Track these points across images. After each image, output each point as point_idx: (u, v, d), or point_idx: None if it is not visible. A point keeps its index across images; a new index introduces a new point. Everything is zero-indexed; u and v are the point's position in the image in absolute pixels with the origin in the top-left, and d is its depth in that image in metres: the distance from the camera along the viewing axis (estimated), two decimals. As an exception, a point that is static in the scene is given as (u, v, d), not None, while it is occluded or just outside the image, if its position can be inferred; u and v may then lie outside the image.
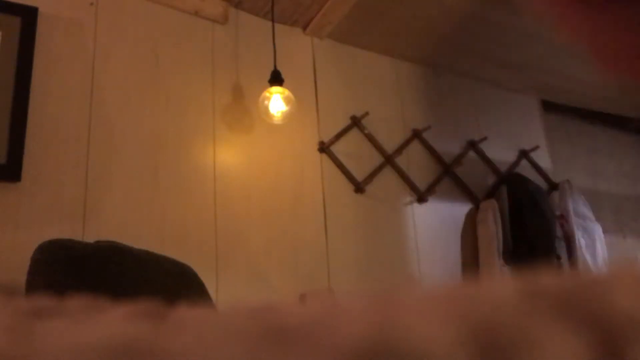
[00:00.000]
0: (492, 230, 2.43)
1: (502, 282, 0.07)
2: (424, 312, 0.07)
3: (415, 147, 2.51)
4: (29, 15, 1.75)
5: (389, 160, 2.38)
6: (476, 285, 0.08)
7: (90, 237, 1.60)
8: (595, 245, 2.72)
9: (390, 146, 2.42)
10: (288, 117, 2.01)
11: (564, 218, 2.67)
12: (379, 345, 0.07)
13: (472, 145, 2.68)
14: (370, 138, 2.37)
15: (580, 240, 2.66)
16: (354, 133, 2.35)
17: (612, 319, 0.07)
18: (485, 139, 2.71)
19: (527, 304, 0.07)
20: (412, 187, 2.42)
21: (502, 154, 2.79)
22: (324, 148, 2.24)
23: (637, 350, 0.06)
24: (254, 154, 2.08)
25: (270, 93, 1.98)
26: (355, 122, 2.35)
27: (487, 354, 0.06)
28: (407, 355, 0.06)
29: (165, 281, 1.32)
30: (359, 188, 2.27)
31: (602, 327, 0.06)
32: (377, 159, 2.37)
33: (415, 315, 0.07)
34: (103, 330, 0.08)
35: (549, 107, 3.14)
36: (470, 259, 2.46)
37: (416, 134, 2.51)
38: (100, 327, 0.09)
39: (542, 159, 2.94)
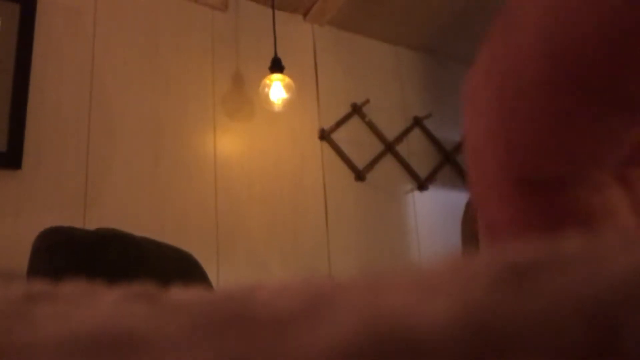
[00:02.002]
0: (492, 218, 2.42)
1: (492, 259, 0.07)
2: (418, 297, 0.07)
3: (416, 134, 2.51)
4: (28, 2, 1.74)
5: (389, 148, 2.38)
6: (469, 263, 0.08)
7: (91, 225, 1.60)
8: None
9: (391, 134, 2.41)
10: (288, 104, 2.00)
11: (564, 206, 2.67)
12: (371, 337, 0.06)
13: (473, 132, 2.68)
14: (371, 126, 2.37)
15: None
16: (355, 121, 2.35)
17: (606, 290, 0.06)
18: (486, 126, 2.70)
19: (522, 282, 0.07)
20: (413, 175, 2.42)
21: (503, 141, 2.78)
22: (324, 136, 2.24)
23: (632, 322, 0.06)
24: (254, 142, 2.08)
25: (271, 80, 1.97)
26: (356, 110, 2.35)
27: (487, 341, 0.06)
28: (404, 349, 0.06)
29: (167, 268, 1.33)
30: (359, 176, 2.27)
31: (597, 300, 0.06)
32: (378, 147, 2.37)
33: (409, 303, 0.07)
34: (97, 316, 0.08)
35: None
36: (471, 246, 2.46)
37: (417, 122, 2.51)
38: (95, 312, 0.09)
39: (543, 146, 2.94)
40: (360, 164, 2.28)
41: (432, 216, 2.42)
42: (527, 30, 0.12)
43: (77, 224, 1.61)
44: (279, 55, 2.00)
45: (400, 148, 2.42)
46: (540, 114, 0.12)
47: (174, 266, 1.36)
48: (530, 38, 0.12)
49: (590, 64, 0.11)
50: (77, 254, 1.18)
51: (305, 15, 2.34)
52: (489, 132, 0.14)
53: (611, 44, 0.10)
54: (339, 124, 2.29)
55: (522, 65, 0.12)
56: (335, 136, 2.26)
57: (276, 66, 1.97)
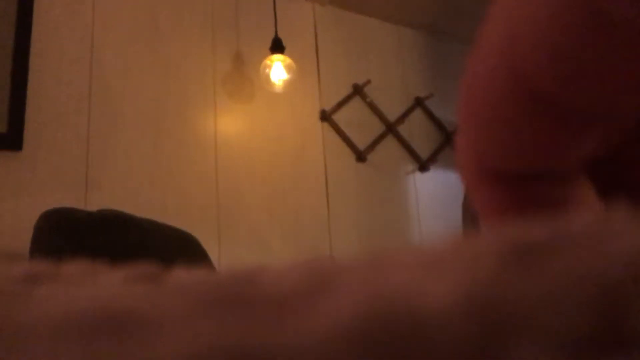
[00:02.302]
0: (493, 198, 2.42)
1: (497, 239, 0.07)
2: (422, 277, 0.07)
3: (418, 115, 2.50)
4: (26, -18, 1.72)
5: (390, 128, 2.37)
6: (473, 243, 0.08)
7: (92, 206, 1.60)
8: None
9: (392, 114, 2.40)
10: (289, 85, 2.00)
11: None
12: (374, 318, 0.06)
13: (475, 113, 2.67)
14: (372, 106, 2.36)
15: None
16: (356, 101, 2.34)
17: (614, 271, 0.06)
18: (488, 107, 2.69)
19: (528, 262, 0.07)
20: (414, 155, 2.41)
21: (504, 122, 2.77)
22: (325, 116, 2.23)
23: (638, 304, 0.06)
24: (255, 123, 2.07)
25: (272, 61, 1.96)
26: (357, 90, 2.34)
27: (493, 321, 0.06)
28: (407, 329, 0.06)
29: (168, 249, 1.33)
30: (360, 157, 2.26)
31: (604, 281, 0.06)
32: (379, 128, 2.36)
33: (414, 283, 0.07)
34: (97, 296, 0.08)
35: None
36: (471, 227, 2.47)
37: (418, 102, 2.50)
38: (95, 292, 0.09)
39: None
40: (361, 144, 2.28)
41: (433, 197, 2.42)
42: (491, 44, 0.13)
43: (79, 205, 1.61)
44: (280, 35, 1.98)
45: (402, 129, 2.41)
46: (499, 119, 0.13)
47: (175, 247, 1.37)
48: (493, 51, 0.13)
49: (545, 78, 0.12)
50: (78, 235, 1.18)
51: (306, -6, 2.32)
52: (461, 127, 0.15)
53: (566, 59, 0.11)
54: (340, 104, 2.29)
55: (483, 76, 0.13)
56: (336, 117, 2.26)
57: (277, 47, 1.96)
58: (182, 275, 0.09)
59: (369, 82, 2.35)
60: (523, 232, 0.07)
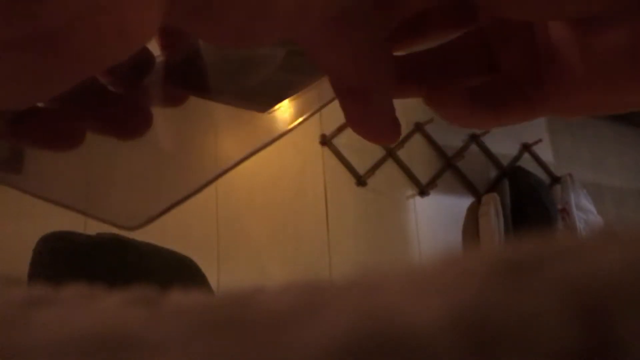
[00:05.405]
0: (493, 224, 2.42)
1: (485, 257, 0.07)
2: (411, 296, 0.07)
3: (417, 140, 2.51)
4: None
5: (390, 153, 2.38)
6: (460, 262, 0.08)
7: (91, 229, 1.60)
8: (596, 239, 2.71)
9: (392, 139, 2.41)
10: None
11: (566, 212, 2.67)
12: (364, 336, 0.07)
13: (474, 138, 2.68)
14: (372, 131, 2.37)
15: (583, 234, 2.66)
16: (356, 126, 2.35)
17: (599, 285, 0.07)
18: (487, 132, 2.70)
19: (514, 279, 0.07)
20: (414, 180, 2.42)
21: (504, 147, 2.78)
22: (325, 141, 2.24)
23: (625, 317, 0.06)
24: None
25: (272, 86, 1.98)
26: (357, 115, 2.35)
27: (479, 339, 0.06)
28: (396, 347, 0.06)
29: (167, 273, 1.33)
30: (360, 181, 2.27)
31: (590, 295, 0.06)
32: (379, 152, 2.37)
33: (402, 301, 0.07)
34: (95, 319, 0.08)
35: (551, 100, 3.13)
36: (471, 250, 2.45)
37: (418, 127, 2.51)
38: (93, 315, 0.09)
39: (545, 152, 2.93)
40: (361, 169, 2.29)
41: (433, 222, 2.42)
42: None
43: (78, 228, 1.60)
44: (281, 60, 2.00)
45: (402, 153, 2.42)
46: None
47: (174, 271, 1.36)
48: None
49: None
50: (77, 259, 1.18)
51: (306, 20, 2.34)
52: None
53: None
54: (341, 129, 2.29)
55: None
56: (336, 141, 2.26)
57: (277, 71, 1.97)
58: (178, 298, 0.09)
59: (368, 107, 2.37)
60: (509, 249, 0.07)
